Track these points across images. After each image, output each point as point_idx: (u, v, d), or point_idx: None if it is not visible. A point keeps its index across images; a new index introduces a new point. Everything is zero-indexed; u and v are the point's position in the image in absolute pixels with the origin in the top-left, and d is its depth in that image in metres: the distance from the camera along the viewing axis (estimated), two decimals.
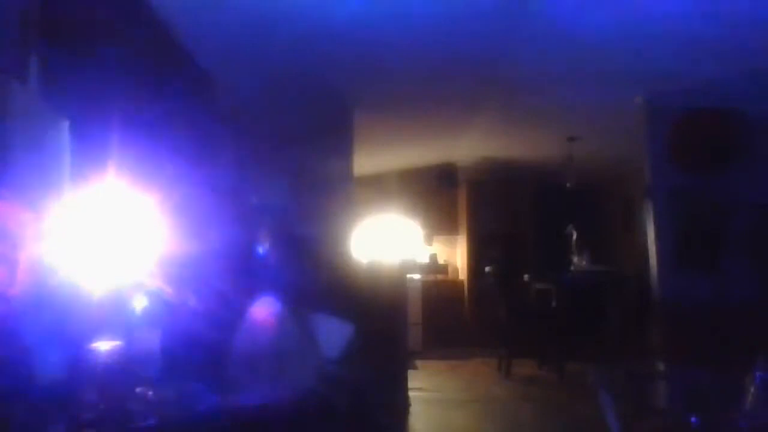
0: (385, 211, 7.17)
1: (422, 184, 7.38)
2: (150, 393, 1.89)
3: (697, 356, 3.78)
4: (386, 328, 3.45)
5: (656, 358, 4.50)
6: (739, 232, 4.23)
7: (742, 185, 4.26)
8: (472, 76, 4.01)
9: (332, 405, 2.20)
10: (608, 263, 6.44)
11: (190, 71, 3.15)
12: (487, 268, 6.01)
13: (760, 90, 4.01)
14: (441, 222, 7.48)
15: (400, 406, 3.77)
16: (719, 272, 4.19)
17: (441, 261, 7.48)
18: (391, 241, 7.13)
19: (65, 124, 1.79)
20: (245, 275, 2.78)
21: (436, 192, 7.38)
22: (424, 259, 7.34)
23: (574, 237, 6.27)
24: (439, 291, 7.10)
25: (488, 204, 7.24)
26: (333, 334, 2.60)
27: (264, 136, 4.48)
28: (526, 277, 6.22)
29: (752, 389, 1.88)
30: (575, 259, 6.21)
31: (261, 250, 3.24)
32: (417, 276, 6.99)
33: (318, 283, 2.86)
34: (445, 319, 6.90)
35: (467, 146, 6.28)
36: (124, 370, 1.84)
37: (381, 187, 7.18)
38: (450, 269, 7.49)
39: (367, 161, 5.84)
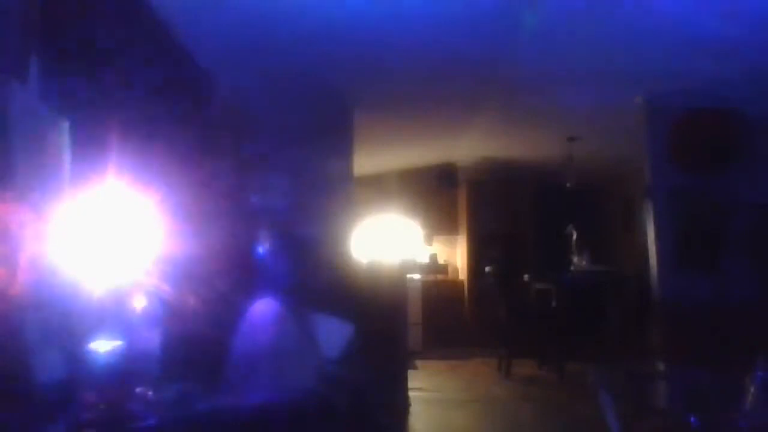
0: (385, 211, 7.17)
1: (422, 184, 7.37)
2: (150, 393, 1.89)
3: (697, 356, 3.78)
4: (386, 328, 3.45)
5: (656, 358, 4.50)
6: (739, 232, 4.23)
7: (742, 185, 4.26)
8: (472, 76, 4.01)
9: (332, 405, 2.20)
10: (608, 263, 6.44)
11: (190, 71, 3.15)
12: (487, 268, 6.01)
13: (760, 90, 4.01)
14: (441, 222, 7.48)
15: (400, 406, 3.77)
16: (719, 272, 4.19)
17: (441, 261, 7.48)
18: (391, 241, 7.13)
19: (65, 124, 1.80)
20: (245, 275, 2.78)
21: (436, 192, 7.37)
22: (424, 259, 7.34)
23: (574, 237, 6.27)
24: (439, 291, 7.10)
25: (488, 204, 7.24)
26: (333, 334, 2.60)
27: (264, 136, 4.47)
28: (526, 277, 6.21)
29: (752, 389, 1.88)
30: (575, 259, 6.21)
31: (261, 250, 3.24)
32: (417, 276, 6.99)
33: (318, 283, 2.86)
34: (445, 319, 6.90)
35: (467, 146, 6.28)
36: (124, 370, 1.84)
37: (381, 187, 7.18)
38: (450, 269, 7.48)
39: (367, 161, 5.83)
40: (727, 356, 3.24)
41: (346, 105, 4.57)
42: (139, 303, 2.07)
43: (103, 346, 1.82)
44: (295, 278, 2.78)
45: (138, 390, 1.88)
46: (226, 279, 2.44)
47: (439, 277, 7.29)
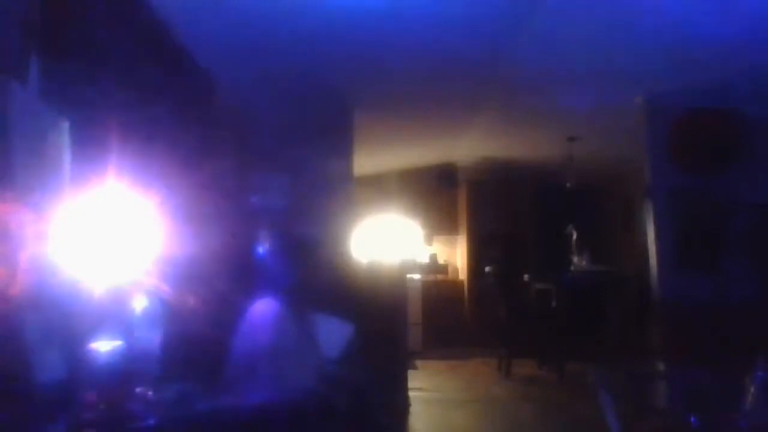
0: (385, 211, 7.17)
1: (422, 184, 7.37)
2: (150, 393, 1.89)
3: (697, 356, 3.78)
4: (386, 328, 3.45)
5: (656, 358, 4.50)
6: (739, 232, 4.23)
7: (742, 185, 4.26)
8: (472, 76, 4.01)
9: (332, 405, 2.20)
10: (608, 263, 6.44)
11: (190, 71, 3.15)
12: (487, 268, 6.01)
13: (760, 90, 4.01)
14: (441, 222, 7.48)
15: (400, 406, 3.77)
16: (719, 272, 4.19)
17: (441, 261, 7.48)
18: (391, 241, 7.13)
19: (65, 124, 1.80)
20: (245, 275, 2.78)
21: (436, 192, 7.38)
22: (424, 259, 7.34)
23: (574, 237, 6.27)
24: (439, 291, 7.10)
25: (488, 204, 7.24)
26: (333, 334, 2.60)
27: (264, 136, 4.48)
28: (526, 277, 6.21)
29: (752, 389, 1.88)
30: (575, 259, 6.21)
31: (261, 250, 3.24)
32: (417, 276, 6.99)
33: (318, 283, 2.86)
34: (445, 319, 6.90)
35: (467, 146, 6.28)
36: (124, 370, 1.84)
37: (381, 187, 7.18)
38: (450, 269, 7.48)
39: (367, 161, 5.83)
40: (727, 356, 3.24)
41: (346, 105, 4.57)
42: (139, 303, 2.07)
43: (103, 346, 1.82)
44: (295, 278, 2.78)
45: (138, 390, 1.88)
46: (226, 279, 2.44)
47: (439, 277, 7.29)
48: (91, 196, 1.87)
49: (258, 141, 4.38)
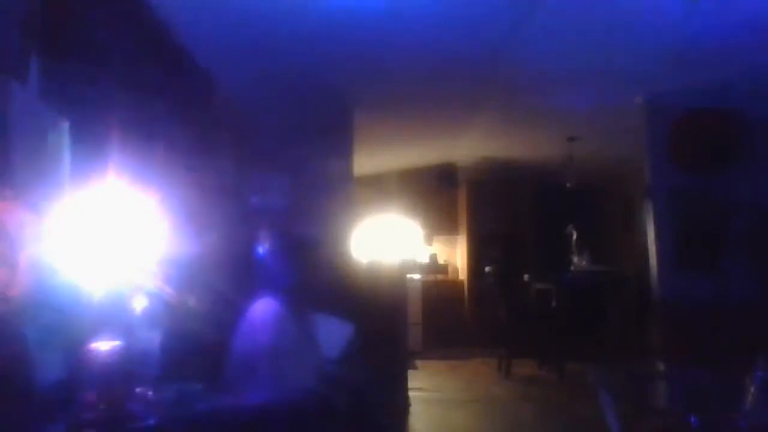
0: (385, 211, 7.17)
1: (422, 184, 7.38)
2: (150, 393, 1.89)
3: (697, 356, 3.78)
4: (386, 328, 3.45)
5: (656, 358, 4.50)
6: (739, 232, 4.23)
7: (742, 185, 4.26)
8: (472, 76, 4.01)
9: (332, 405, 2.20)
10: (608, 263, 6.44)
11: (190, 71, 3.15)
12: (487, 268, 6.01)
13: (760, 90, 4.01)
14: (441, 222, 7.48)
15: (400, 406, 3.77)
16: (719, 272, 4.19)
17: (441, 261, 7.48)
18: (391, 241, 7.13)
19: (65, 124, 1.80)
20: (245, 275, 2.78)
21: (436, 192, 7.38)
22: (424, 259, 7.34)
23: (574, 237, 6.27)
24: (439, 291, 7.10)
25: (488, 204, 7.24)
26: (333, 334, 2.60)
27: (264, 136, 4.48)
28: (526, 277, 6.22)
29: (752, 389, 1.88)
30: (575, 259, 6.21)
31: (261, 250, 3.24)
32: (417, 276, 6.99)
33: (318, 283, 2.86)
34: (445, 319, 6.90)
35: (467, 146, 6.28)
36: (124, 370, 1.84)
37: (381, 187, 7.18)
38: (450, 269, 7.48)
39: (367, 161, 5.84)
40: (727, 356, 3.24)
41: (346, 105, 4.57)
42: (139, 303, 2.07)
43: (103, 347, 1.82)
44: (294, 278, 2.78)
45: (138, 390, 1.88)
46: (226, 279, 2.44)
47: (439, 277, 7.29)
48: (91, 196, 1.87)
49: (258, 141, 4.38)
